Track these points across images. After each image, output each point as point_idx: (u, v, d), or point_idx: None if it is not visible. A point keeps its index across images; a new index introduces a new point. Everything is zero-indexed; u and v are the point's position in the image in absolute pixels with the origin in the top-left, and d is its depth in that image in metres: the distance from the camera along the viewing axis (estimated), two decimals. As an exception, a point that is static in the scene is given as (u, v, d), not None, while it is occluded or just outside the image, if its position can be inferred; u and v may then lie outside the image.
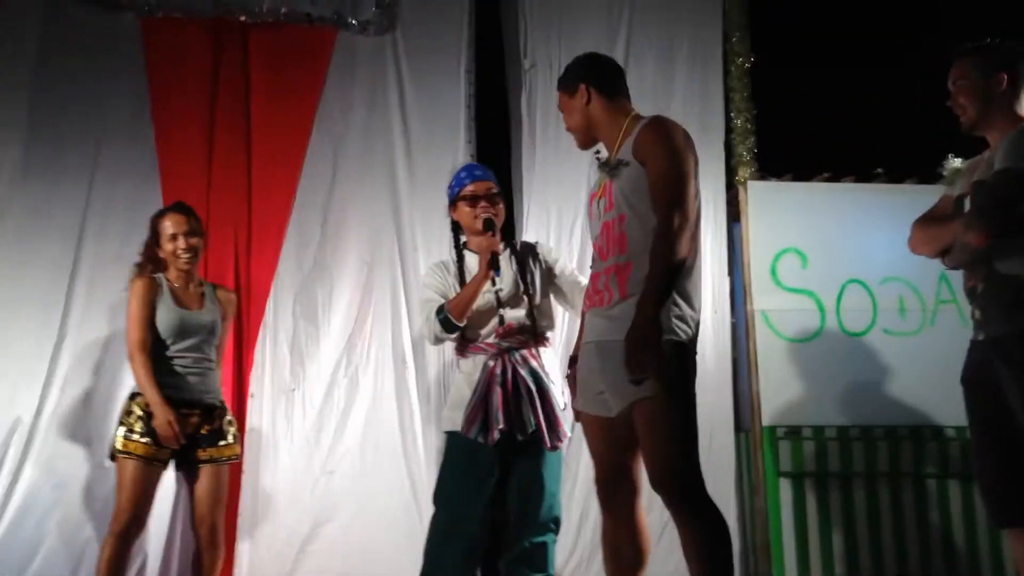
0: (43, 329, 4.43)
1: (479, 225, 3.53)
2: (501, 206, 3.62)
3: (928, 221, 2.97)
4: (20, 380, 4.35)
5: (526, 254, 3.65)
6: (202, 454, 3.70)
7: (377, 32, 4.94)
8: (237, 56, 4.78)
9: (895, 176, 5.17)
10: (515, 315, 3.50)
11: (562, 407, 3.43)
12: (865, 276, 4.95)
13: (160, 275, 3.81)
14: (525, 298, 3.53)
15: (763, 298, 4.89)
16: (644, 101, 4.95)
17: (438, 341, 3.55)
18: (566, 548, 4.50)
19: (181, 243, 3.78)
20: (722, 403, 4.80)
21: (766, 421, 4.76)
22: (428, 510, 4.33)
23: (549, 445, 3.40)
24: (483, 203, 3.56)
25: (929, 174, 5.00)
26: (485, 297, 3.48)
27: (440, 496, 3.47)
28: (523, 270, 3.57)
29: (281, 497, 4.43)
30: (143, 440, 3.58)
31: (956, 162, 4.67)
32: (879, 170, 5.18)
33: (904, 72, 5.53)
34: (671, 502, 2.62)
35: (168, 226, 3.82)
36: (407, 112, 4.89)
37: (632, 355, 2.55)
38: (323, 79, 4.82)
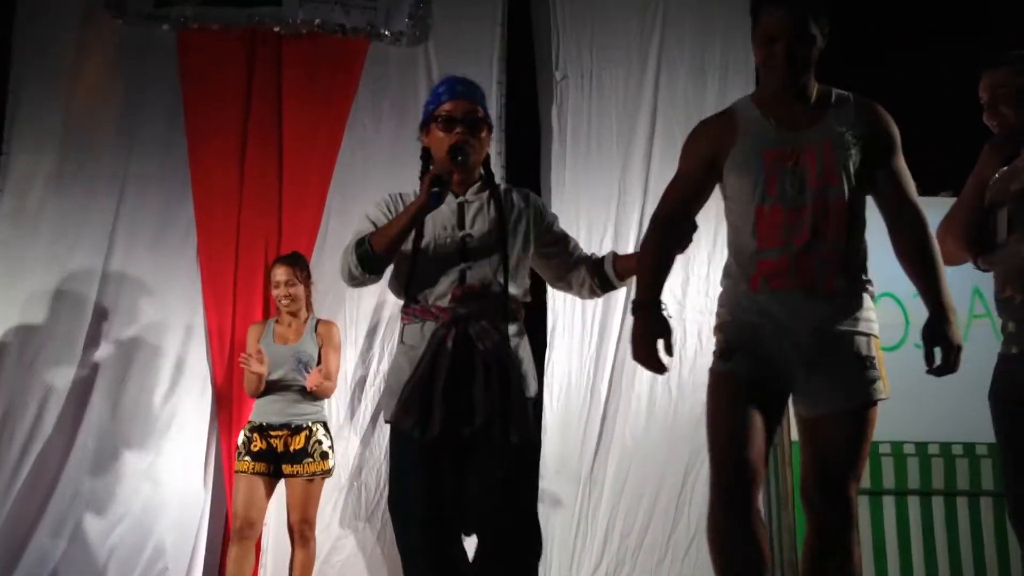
0: (74, 335, 4.48)
1: (443, 153, 2.76)
2: (484, 136, 2.84)
3: (951, 221, 2.91)
4: (54, 384, 4.41)
5: (513, 201, 2.85)
6: (287, 469, 3.99)
7: (410, 43, 4.97)
8: (271, 67, 4.83)
9: (928, 188, 5.11)
10: (481, 274, 2.69)
11: (530, 394, 2.72)
12: (897, 290, 4.88)
13: (273, 319, 4.27)
14: (498, 254, 2.72)
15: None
16: (675, 110, 4.99)
17: (354, 281, 2.73)
18: (591, 561, 4.49)
19: (282, 291, 4.18)
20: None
21: (795, 437, 4.71)
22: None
23: (502, 439, 2.61)
24: (459, 128, 2.77)
25: (962, 186, 4.94)
26: (446, 243, 2.70)
27: (395, 508, 2.71)
28: (503, 218, 2.77)
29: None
30: (244, 459, 4.01)
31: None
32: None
33: (938, 82, 5.49)
34: (841, 506, 2.42)
35: (274, 275, 4.22)
36: (438, 122, 4.90)
37: (956, 356, 2.43)
38: (355, 89, 4.86)
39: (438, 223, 2.72)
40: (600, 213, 4.91)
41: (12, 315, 4.50)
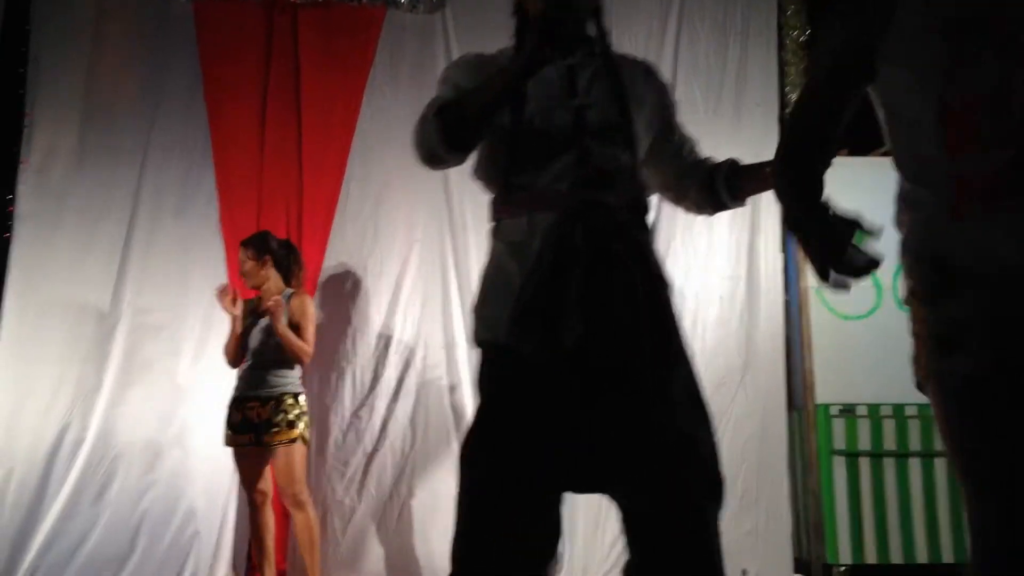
0: (101, 305, 4.55)
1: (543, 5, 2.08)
2: None
3: None
4: (82, 353, 4.48)
5: (633, 70, 2.22)
6: (266, 439, 4.05)
7: (427, 10, 4.94)
8: (288, 36, 4.83)
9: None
10: (608, 152, 2.07)
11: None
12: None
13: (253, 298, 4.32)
14: (623, 132, 2.11)
15: (817, 275, 4.82)
16: (698, 75, 4.94)
17: (433, 160, 2.10)
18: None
19: (243, 273, 4.30)
20: (775, 381, 4.75)
21: (820, 399, 4.70)
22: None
23: (659, 380, 1.95)
24: None
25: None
26: (558, 114, 2.09)
27: (472, 455, 2.00)
28: (623, 87, 2.15)
29: (333, 474, 4.49)
30: (228, 432, 4.13)
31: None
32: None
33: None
34: None
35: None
36: (456, 90, 4.88)
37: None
38: (372, 57, 4.85)
39: (541, 91, 2.10)
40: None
41: (41, 287, 4.56)
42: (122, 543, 4.33)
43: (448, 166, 2.15)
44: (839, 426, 4.68)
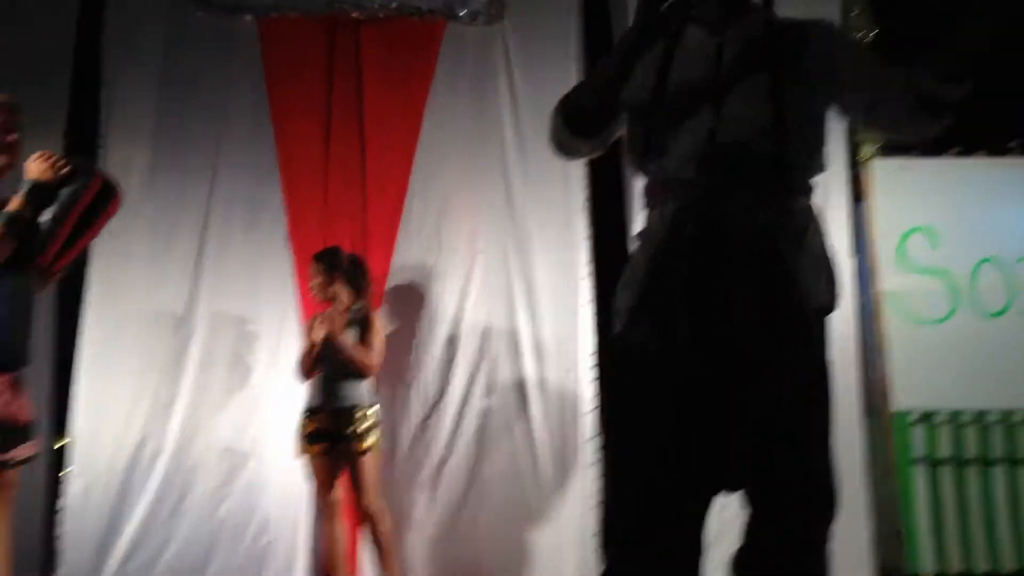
0: (178, 320, 4.67)
1: None
2: None
3: None
4: (165, 366, 4.62)
5: (798, 39, 2.02)
6: (339, 449, 4.12)
7: (486, 22, 4.96)
8: (350, 52, 4.89)
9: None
10: (740, 131, 1.93)
11: (816, 304, 1.96)
12: (1000, 254, 4.72)
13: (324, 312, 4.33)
14: (768, 105, 1.93)
15: (891, 279, 4.74)
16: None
17: (562, 149, 2.12)
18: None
19: (313, 287, 4.35)
20: (848, 387, 4.64)
21: (897, 406, 4.60)
22: (544, 501, 4.33)
23: (772, 362, 1.89)
24: None
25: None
26: (693, 90, 1.95)
27: (616, 441, 2.03)
28: (775, 55, 1.97)
29: (403, 483, 4.52)
30: (303, 443, 4.20)
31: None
32: (1012, 143, 4.95)
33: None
34: None
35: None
36: (517, 100, 4.89)
37: None
38: (433, 71, 4.88)
39: (683, 63, 1.98)
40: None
41: (119, 302, 4.68)
42: (200, 552, 4.41)
43: (583, 154, 2.13)
44: (919, 433, 4.57)
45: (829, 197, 4.71)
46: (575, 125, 2.01)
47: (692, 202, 1.92)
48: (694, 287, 1.89)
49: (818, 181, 2.08)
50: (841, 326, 4.63)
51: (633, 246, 2.07)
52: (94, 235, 3.25)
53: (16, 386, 3.10)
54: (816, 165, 2.06)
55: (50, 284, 3.32)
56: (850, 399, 4.63)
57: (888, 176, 4.83)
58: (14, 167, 3.15)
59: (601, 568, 1.98)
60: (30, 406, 3.18)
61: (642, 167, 2.04)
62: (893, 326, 4.69)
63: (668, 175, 1.97)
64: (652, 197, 2.02)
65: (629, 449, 1.95)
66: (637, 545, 1.93)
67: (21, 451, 3.09)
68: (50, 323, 4.74)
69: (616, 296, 2.05)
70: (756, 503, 1.96)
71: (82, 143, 4.84)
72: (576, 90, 2.04)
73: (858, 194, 4.90)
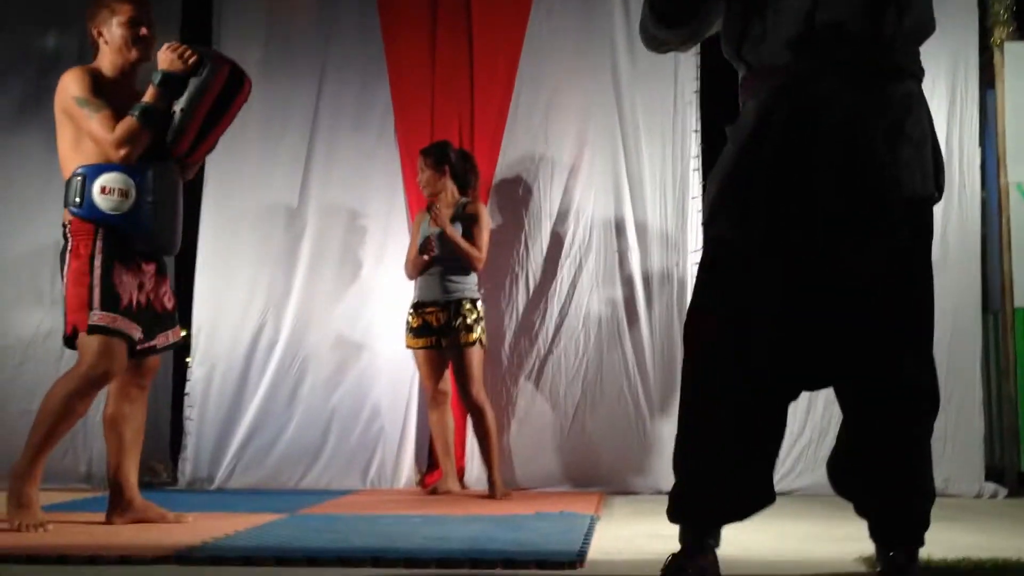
0: (290, 215, 4.80)
1: None
2: None
3: None
4: (279, 260, 4.77)
5: None
6: (445, 343, 4.23)
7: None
8: (458, -53, 4.81)
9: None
10: (840, 11, 1.89)
11: (916, 192, 1.90)
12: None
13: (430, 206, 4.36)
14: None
15: (1020, 169, 4.49)
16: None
17: (654, 43, 2.12)
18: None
19: (419, 178, 4.42)
20: (968, 282, 4.47)
21: (1019, 303, 4.42)
22: (651, 395, 4.35)
23: (862, 256, 1.87)
24: None
25: None
26: None
27: (693, 343, 2.00)
28: None
29: (508, 376, 4.59)
30: (409, 336, 4.35)
31: None
32: None
33: None
34: None
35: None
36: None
37: None
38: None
39: None
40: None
41: (233, 198, 4.83)
42: (314, 437, 4.60)
43: (673, 47, 2.13)
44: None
45: (956, 83, 4.48)
46: (665, 16, 1.98)
47: (784, 88, 1.88)
48: (777, 176, 1.86)
49: (924, 67, 1.98)
50: (965, 218, 4.48)
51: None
52: (228, 123, 3.30)
53: (161, 275, 3.24)
54: (916, 49, 1.97)
55: (192, 173, 3.43)
56: (971, 295, 4.46)
57: (1020, 60, 4.54)
58: (148, 60, 3.21)
59: (676, 480, 2.02)
60: (173, 295, 3.33)
61: (739, 56, 1.99)
62: (1019, 220, 4.47)
63: (763, 62, 1.93)
64: (748, 88, 1.98)
65: (705, 347, 1.94)
66: (712, 456, 1.94)
67: (166, 337, 3.25)
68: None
69: (705, 189, 2.08)
70: (848, 403, 1.96)
71: (196, 41, 4.91)
72: None
73: (989, 80, 4.63)
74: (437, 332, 4.24)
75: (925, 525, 2.04)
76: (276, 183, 4.83)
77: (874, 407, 1.92)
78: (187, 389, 4.70)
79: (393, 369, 4.62)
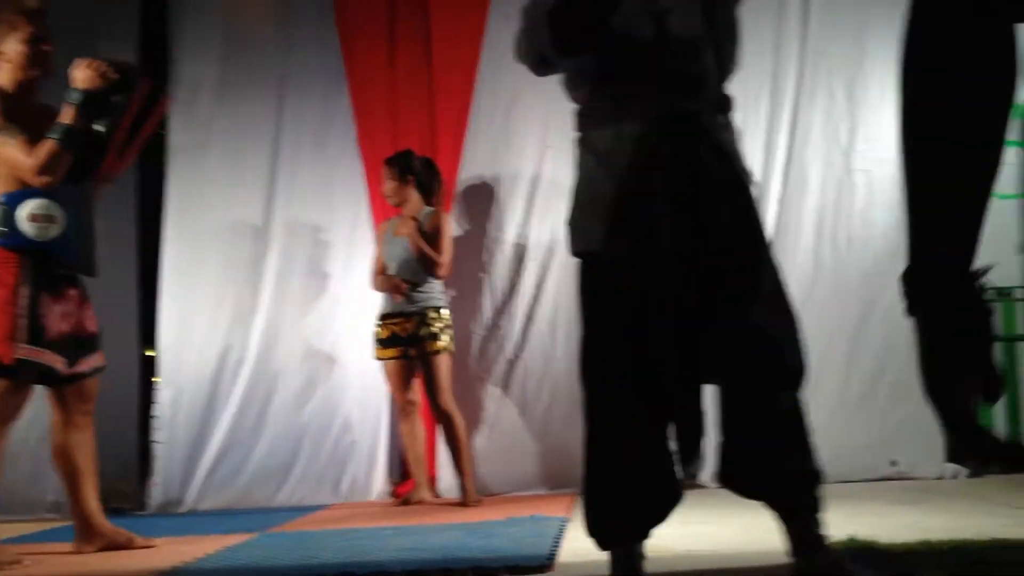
0: (255, 230, 4.78)
1: None
2: None
3: None
4: (244, 276, 4.73)
5: None
6: (412, 352, 4.22)
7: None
8: (414, -49, 4.80)
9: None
10: (690, 58, 2.08)
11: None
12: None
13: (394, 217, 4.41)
14: (703, 36, 2.09)
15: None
16: None
17: (541, 66, 2.19)
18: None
19: (385, 191, 4.40)
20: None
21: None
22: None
23: (749, 278, 2.03)
24: None
25: None
26: (638, 19, 2.06)
27: (593, 363, 2.14)
28: None
29: (477, 382, 4.58)
30: (377, 347, 4.32)
31: None
32: None
33: None
34: None
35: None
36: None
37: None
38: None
39: None
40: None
41: (197, 215, 4.78)
42: (286, 454, 4.57)
43: (558, 71, 2.18)
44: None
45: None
46: (566, 43, 2.06)
47: (657, 122, 2.04)
48: (675, 201, 2.01)
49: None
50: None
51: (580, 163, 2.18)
52: (147, 139, 3.26)
53: (84, 299, 3.18)
54: (726, 85, 2.17)
55: (103, 191, 3.33)
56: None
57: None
58: (50, 76, 3.13)
59: (593, 510, 2.11)
60: (95, 318, 3.24)
61: (591, 90, 2.12)
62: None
63: (625, 98, 2.07)
64: (602, 118, 2.11)
65: (602, 375, 2.09)
66: (620, 471, 2.07)
67: (90, 361, 3.17)
68: (132, 238, 4.90)
69: (576, 216, 2.16)
70: (732, 389, 2.05)
71: (154, 59, 4.89)
72: (562, 11, 2.03)
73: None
74: (405, 342, 4.24)
75: (812, 496, 2.01)
76: (240, 199, 4.79)
77: (739, 383, 2.03)
78: (155, 412, 4.65)
79: (363, 381, 4.59)
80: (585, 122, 2.18)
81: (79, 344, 3.13)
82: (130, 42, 4.77)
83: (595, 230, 2.08)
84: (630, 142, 2.06)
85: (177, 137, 4.85)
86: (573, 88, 2.20)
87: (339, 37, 4.82)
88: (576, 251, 2.17)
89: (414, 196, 4.34)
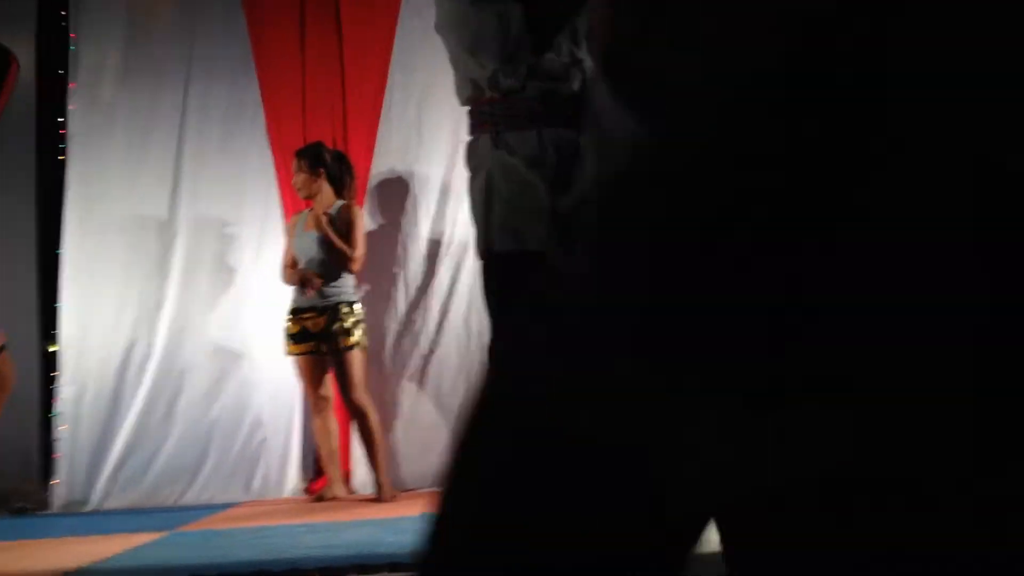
0: (160, 223, 4.66)
1: None
2: None
3: None
4: (150, 270, 4.62)
5: None
6: (324, 348, 4.16)
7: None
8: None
9: None
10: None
11: None
12: None
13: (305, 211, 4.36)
14: None
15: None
16: None
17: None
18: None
19: (296, 184, 4.33)
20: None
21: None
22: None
23: None
24: None
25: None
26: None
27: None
28: None
29: (392, 377, 4.56)
30: (288, 343, 4.25)
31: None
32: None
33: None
34: None
35: None
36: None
37: None
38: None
39: None
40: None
41: (99, 206, 4.64)
42: (194, 453, 4.48)
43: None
44: None
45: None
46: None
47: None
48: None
49: None
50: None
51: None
52: None
53: None
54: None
55: None
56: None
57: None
58: None
59: None
60: None
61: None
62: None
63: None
64: (516, 118, 2.06)
65: None
66: None
67: None
68: (32, 228, 4.74)
69: (507, 216, 2.08)
70: None
71: (53, 45, 4.73)
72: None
73: None
74: (316, 338, 4.18)
75: None
76: (144, 189, 4.67)
77: None
78: (57, 408, 4.52)
79: (274, 377, 4.52)
80: (481, 122, 2.17)
81: None
82: (27, 25, 4.60)
83: (532, 231, 2.03)
84: (554, 146, 2.04)
85: (77, 124, 4.70)
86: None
87: (247, 22, 4.72)
88: (499, 250, 2.10)
89: (325, 189, 4.29)
